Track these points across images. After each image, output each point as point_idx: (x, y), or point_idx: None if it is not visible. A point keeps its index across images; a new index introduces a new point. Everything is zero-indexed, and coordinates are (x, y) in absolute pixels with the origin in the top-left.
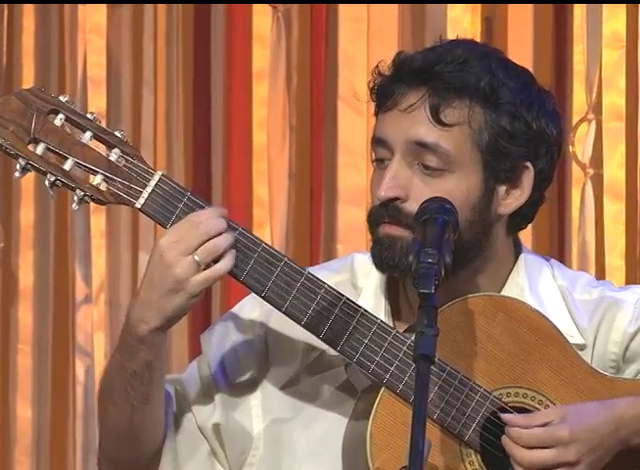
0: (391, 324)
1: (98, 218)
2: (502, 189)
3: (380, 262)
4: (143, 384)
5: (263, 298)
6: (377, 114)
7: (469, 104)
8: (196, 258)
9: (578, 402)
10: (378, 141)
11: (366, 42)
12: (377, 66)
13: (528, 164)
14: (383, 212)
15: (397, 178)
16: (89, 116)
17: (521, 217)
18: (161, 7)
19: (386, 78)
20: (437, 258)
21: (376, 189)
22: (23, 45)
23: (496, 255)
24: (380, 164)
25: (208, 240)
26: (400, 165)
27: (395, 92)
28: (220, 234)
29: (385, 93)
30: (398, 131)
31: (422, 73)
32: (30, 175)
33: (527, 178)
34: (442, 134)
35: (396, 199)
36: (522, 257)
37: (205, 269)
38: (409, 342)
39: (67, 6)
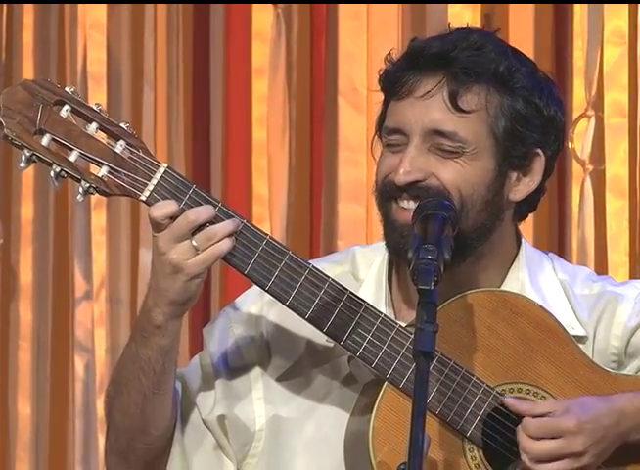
0: (392, 315)
1: (98, 214)
2: (514, 175)
3: (397, 250)
4: (155, 372)
5: (267, 291)
6: (387, 102)
7: (486, 88)
8: (194, 243)
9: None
10: (393, 130)
11: (366, 38)
12: (389, 53)
13: (539, 150)
14: (399, 192)
15: (415, 162)
16: (95, 107)
17: (526, 205)
18: (161, 3)
19: (399, 66)
20: (437, 254)
21: (387, 168)
22: (23, 41)
23: (502, 241)
24: (391, 147)
25: (199, 226)
26: (417, 150)
27: (411, 79)
28: (212, 221)
29: (398, 81)
30: (414, 119)
31: (439, 59)
32: (30, 171)
33: (538, 165)
34: (460, 121)
35: (415, 182)
36: (522, 247)
37: None
38: (412, 337)
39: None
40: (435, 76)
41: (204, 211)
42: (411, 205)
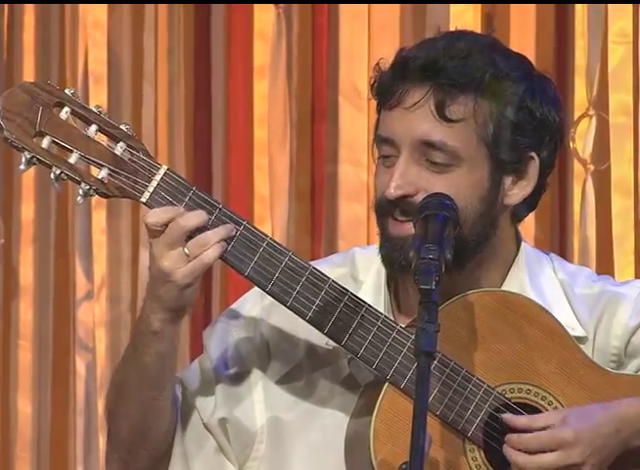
0: (392, 317)
1: (99, 214)
2: (508, 180)
3: (391, 263)
4: (154, 379)
5: (268, 292)
6: (379, 110)
7: (474, 98)
8: (186, 250)
9: (580, 398)
10: (383, 140)
11: (367, 38)
12: (378, 63)
13: (534, 153)
14: (393, 207)
15: (405, 176)
16: (94, 109)
17: (525, 206)
18: (162, 3)
19: (388, 76)
20: (438, 253)
21: (382, 185)
22: (24, 41)
23: (501, 243)
24: (385, 160)
25: (190, 232)
26: (407, 163)
27: (399, 90)
28: (204, 226)
29: (388, 91)
30: (404, 130)
31: (426, 70)
32: (31, 172)
33: (533, 168)
34: (448, 131)
35: (406, 196)
36: (522, 248)
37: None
38: (413, 337)
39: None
40: (423, 87)
41: (194, 217)
42: (404, 219)
